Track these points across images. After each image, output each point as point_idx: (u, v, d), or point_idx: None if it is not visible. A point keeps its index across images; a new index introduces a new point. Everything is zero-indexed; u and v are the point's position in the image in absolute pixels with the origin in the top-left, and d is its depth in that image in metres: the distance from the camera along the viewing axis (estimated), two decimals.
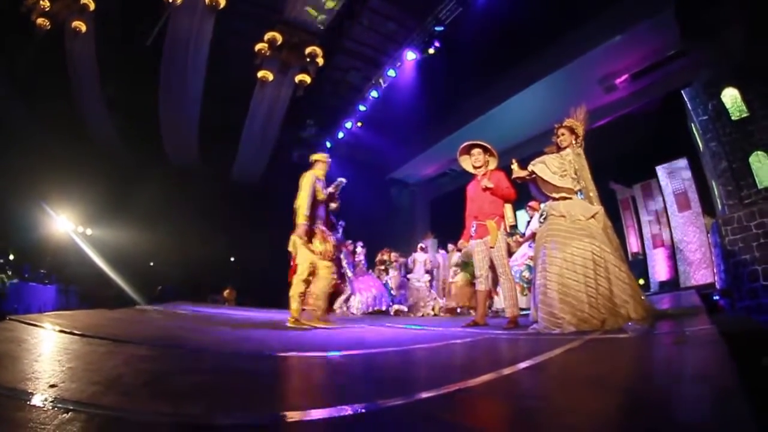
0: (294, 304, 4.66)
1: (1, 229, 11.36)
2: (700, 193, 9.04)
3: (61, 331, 2.73)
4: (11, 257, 10.68)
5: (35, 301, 8.81)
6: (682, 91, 8.06)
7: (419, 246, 10.54)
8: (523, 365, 2.04)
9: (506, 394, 1.57)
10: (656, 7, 8.17)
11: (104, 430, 0.97)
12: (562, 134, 4.13)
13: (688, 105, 7.97)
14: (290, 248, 4.91)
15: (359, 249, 10.55)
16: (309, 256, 4.80)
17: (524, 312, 5.51)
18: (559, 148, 4.14)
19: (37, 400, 1.11)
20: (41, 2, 10.00)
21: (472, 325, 4.72)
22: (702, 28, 7.66)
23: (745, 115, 6.93)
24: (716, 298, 6.18)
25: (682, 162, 9.39)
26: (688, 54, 8.59)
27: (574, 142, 4.09)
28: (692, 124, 8.30)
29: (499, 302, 6.84)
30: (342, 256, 10.34)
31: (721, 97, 7.16)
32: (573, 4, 9.10)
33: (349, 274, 10.07)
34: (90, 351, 2.15)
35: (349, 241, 10.47)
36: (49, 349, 2.15)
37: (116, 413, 1.07)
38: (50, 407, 1.06)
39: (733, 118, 7.02)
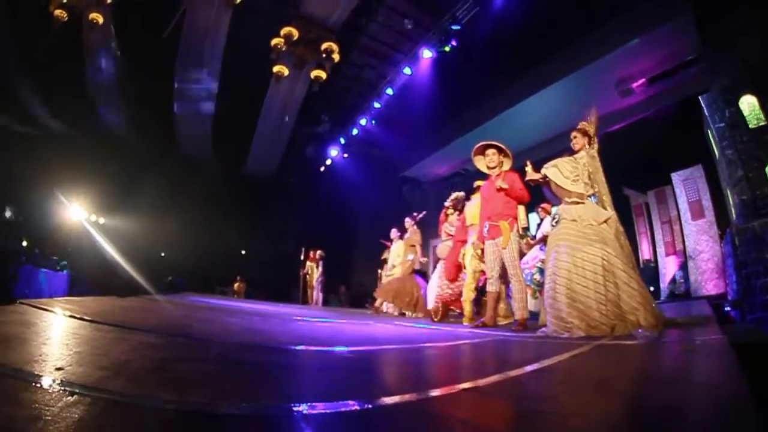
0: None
1: (15, 216, 11.53)
2: (714, 201, 8.88)
3: (71, 316, 2.76)
4: (24, 243, 10.83)
5: (46, 287, 8.90)
6: (700, 97, 7.90)
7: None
8: (530, 368, 2.03)
9: (513, 395, 1.56)
10: (675, 11, 8.05)
11: (108, 414, 0.97)
12: (575, 137, 4.12)
13: (705, 111, 7.82)
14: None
15: None
16: None
17: (534, 315, 5.48)
18: (575, 152, 4.11)
19: (42, 382, 1.12)
20: None
21: (481, 326, 4.71)
22: (721, 34, 7.51)
23: (762, 123, 6.77)
24: (727, 308, 6.08)
25: (698, 169, 9.25)
26: (706, 60, 8.45)
27: (587, 144, 4.06)
28: (708, 131, 8.16)
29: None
30: None
31: (739, 104, 7.01)
32: (592, 6, 9.00)
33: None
34: (98, 337, 2.17)
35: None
36: (57, 333, 2.17)
37: (121, 398, 1.07)
38: (56, 389, 1.07)
39: (750, 126, 6.86)
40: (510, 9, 9.95)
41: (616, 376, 1.97)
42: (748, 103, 6.94)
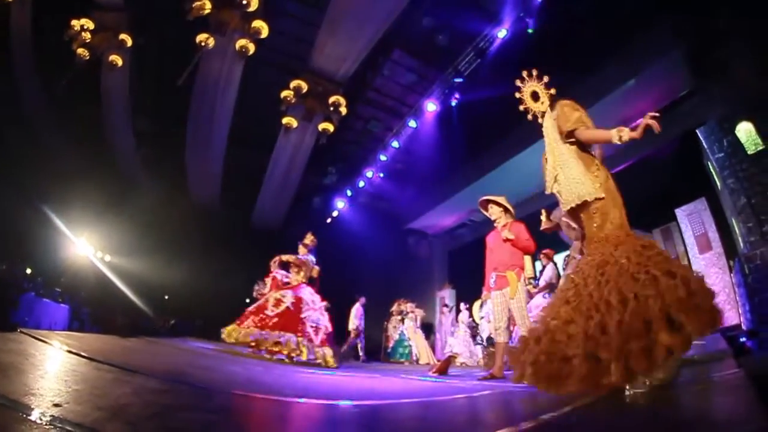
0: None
1: (21, 245, 11.55)
2: (721, 232, 8.74)
3: (70, 352, 2.70)
4: (28, 271, 10.80)
5: (46, 317, 8.80)
6: (697, 131, 7.94)
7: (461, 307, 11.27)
8: (544, 417, 1.93)
9: None
10: (664, 48, 8.27)
11: None
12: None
13: (704, 143, 7.82)
14: None
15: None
16: None
17: None
18: None
19: (38, 417, 1.07)
20: (83, 33, 10.54)
21: (490, 378, 4.58)
22: (711, 64, 7.55)
23: (760, 148, 6.69)
24: (743, 339, 5.85)
25: (701, 202, 9.18)
26: (700, 92, 8.56)
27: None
28: (709, 163, 8.11)
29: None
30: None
31: (736, 132, 7.00)
32: (586, 52, 9.21)
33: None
34: (98, 376, 2.11)
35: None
36: (55, 368, 2.12)
37: None
38: (51, 426, 1.02)
39: (749, 152, 6.79)
40: (509, 59, 10.15)
41: (635, 424, 1.88)
42: (745, 130, 6.91)
